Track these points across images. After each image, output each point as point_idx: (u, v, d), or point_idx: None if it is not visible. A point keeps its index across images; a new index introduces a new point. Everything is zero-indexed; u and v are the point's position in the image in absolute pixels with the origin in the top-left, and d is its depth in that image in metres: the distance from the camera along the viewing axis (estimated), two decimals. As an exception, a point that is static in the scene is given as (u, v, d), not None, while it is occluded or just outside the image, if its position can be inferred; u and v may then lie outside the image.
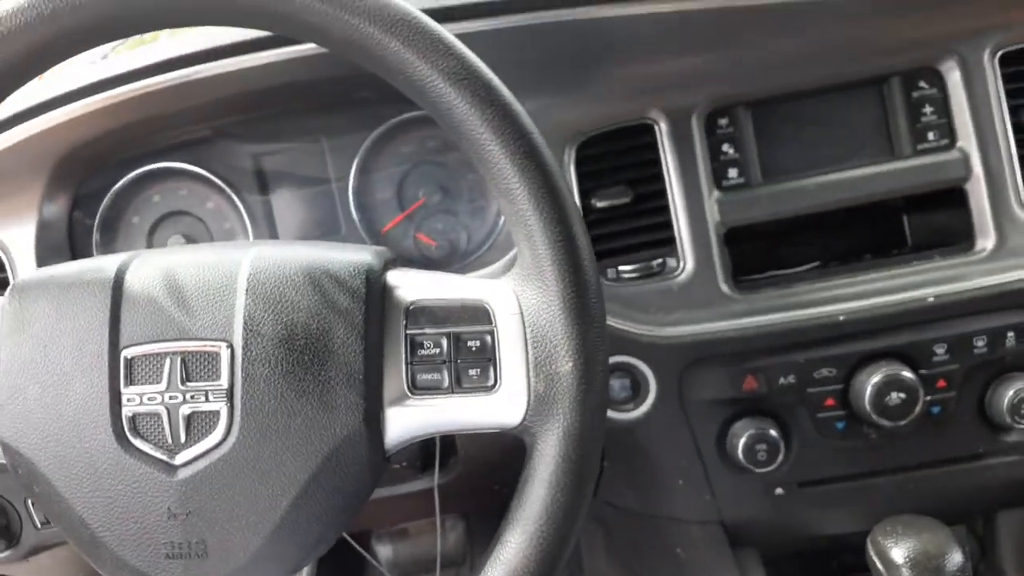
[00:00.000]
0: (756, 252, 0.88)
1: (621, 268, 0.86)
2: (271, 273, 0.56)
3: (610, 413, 0.83)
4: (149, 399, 0.55)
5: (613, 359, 0.83)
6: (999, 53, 0.82)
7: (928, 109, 0.84)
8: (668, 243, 0.85)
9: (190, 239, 0.94)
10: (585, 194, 0.85)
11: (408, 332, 0.57)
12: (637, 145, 0.85)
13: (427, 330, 0.57)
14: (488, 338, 0.57)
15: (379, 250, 0.61)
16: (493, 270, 0.81)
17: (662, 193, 0.85)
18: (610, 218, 0.85)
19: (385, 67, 0.56)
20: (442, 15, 0.80)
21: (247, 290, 0.55)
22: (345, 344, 0.55)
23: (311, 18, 0.54)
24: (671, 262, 0.86)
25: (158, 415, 0.55)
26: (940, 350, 0.82)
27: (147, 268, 0.58)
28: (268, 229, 0.93)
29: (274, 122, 0.91)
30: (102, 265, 0.58)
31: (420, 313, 0.57)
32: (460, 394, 0.56)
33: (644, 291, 0.85)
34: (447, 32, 0.55)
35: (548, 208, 0.54)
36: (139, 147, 0.90)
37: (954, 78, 0.83)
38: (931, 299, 0.80)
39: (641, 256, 0.86)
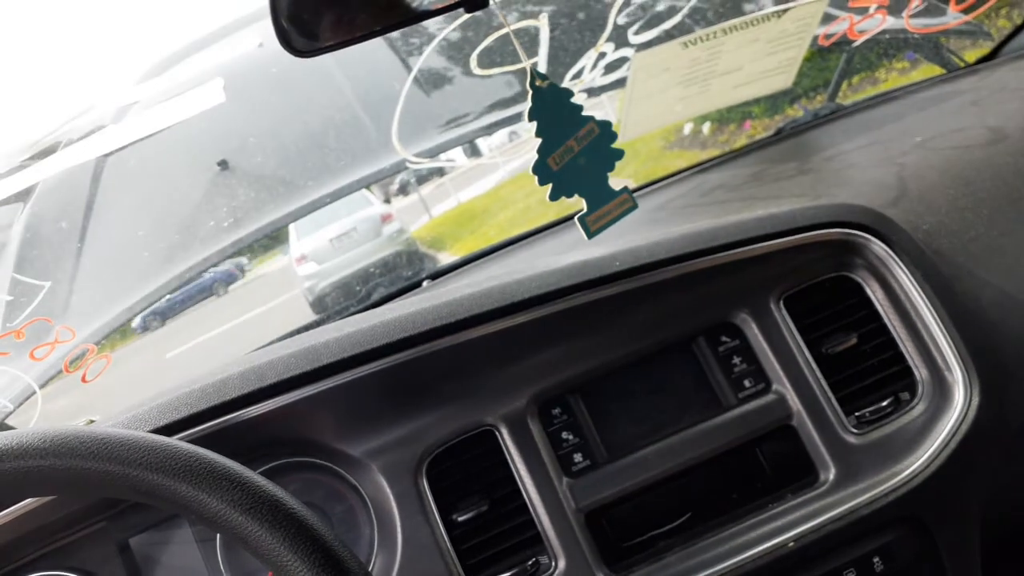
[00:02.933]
0: (623, 520, 0.89)
1: None
2: None
3: None
4: None
5: None
6: (782, 298, 0.89)
7: (737, 359, 0.90)
8: (537, 541, 0.86)
9: None
10: (445, 510, 0.86)
11: None
12: (484, 451, 0.88)
13: None
14: None
15: None
16: None
17: (518, 493, 0.87)
18: (475, 528, 0.86)
19: (177, 508, 0.59)
20: (258, 396, 0.85)
21: None
22: None
23: (100, 480, 0.58)
24: (543, 560, 0.86)
25: None
26: None
27: None
28: None
29: (142, 510, 0.92)
30: None
31: None
32: None
33: (527, 598, 0.85)
34: (226, 462, 0.59)
35: None
36: (9, 563, 0.89)
37: (751, 328, 0.90)
38: (791, 544, 0.82)
39: (514, 559, 0.86)
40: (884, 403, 0.87)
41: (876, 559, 0.82)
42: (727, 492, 0.90)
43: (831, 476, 0.86)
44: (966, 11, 1.20)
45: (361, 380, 0.86)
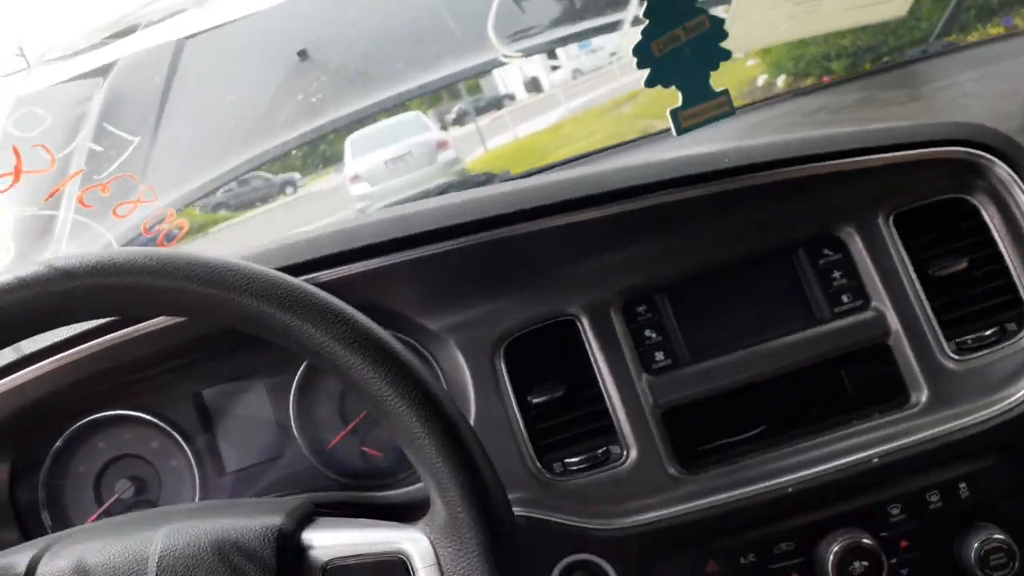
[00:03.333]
0: (699, 424, 0.88)
1: (567, 460, 0.86)
2: (180, 554, 0.56)
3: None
4: None
5: (572, 558, 0.81)
6: (893, 215, 0.86)
7: (837, 274, 0.87)
8: (609, 431, 0.85)
9: (139, 481, 0.93)
10: (521, 392, 0.86)
11: None
12: (563, 339, 0.87)
13: None
14: None
15: (294, 506, 0.61)
16: (421, 489, 0.81)
17: (594, 383, 0.86)
18: (548, 412, 0.86)
19: (280, 337, 0.59)
20: (348, 257, 0.84)
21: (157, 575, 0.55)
22: None
23: (208, 305, 0.58)
24: (615, 450, 0.85)
25: None
26: (895, 510, 0.81)
27: (59, 561, 0.57)
28: (213, 462, 0.93)
29: (213, 363, 0.92)
30: (13, 562, 0.58)
31: (337, 574, 0.57)
32: None
33: (592, 482, 0.84)
34: (335, 300, 0.58)
35: (454, 456, 0.55)
36: (82, 402, 0.91)
37: (856, 243, 0.86)
38: (875, 460, 0.80)
39: (585, 446, 0.86)
40: (988, 332, 0.84)
41: (963, 485, 0.80)
42: (811, 407, 0.88)
43: (923, 398, 0.83)
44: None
45: (448, 254, 0.85)
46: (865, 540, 0.78)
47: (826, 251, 0.87)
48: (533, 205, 0.83)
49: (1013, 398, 0.81)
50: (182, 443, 0.92)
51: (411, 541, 0.57)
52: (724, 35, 0.83)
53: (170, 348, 0.88)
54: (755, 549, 0.81)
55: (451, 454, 0.55)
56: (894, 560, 0.80)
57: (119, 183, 1.04)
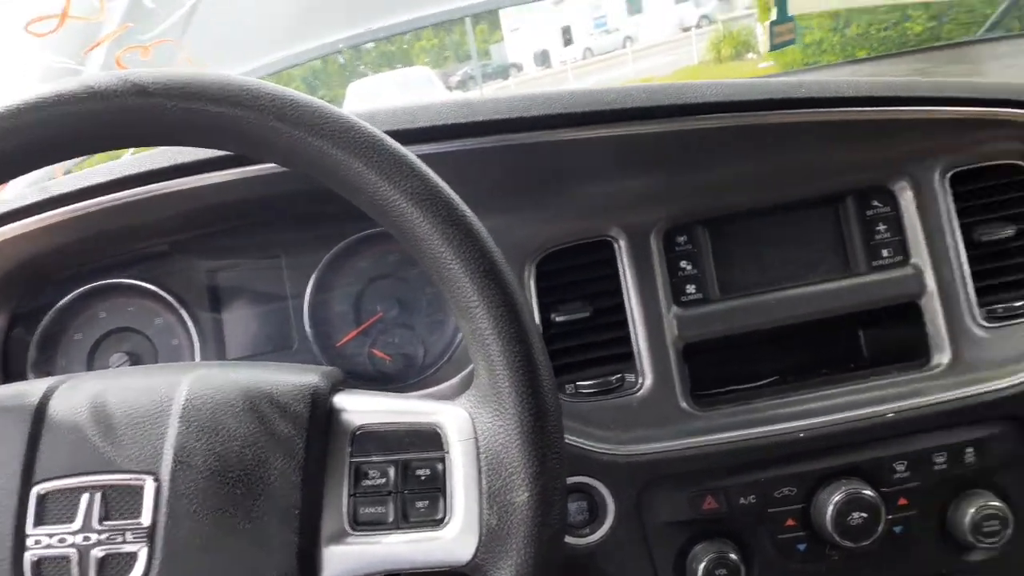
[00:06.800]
0: (714, 366, 0.88)
1: (579, 383, 0.85)
2: (208, 398, 0.54)
3: (567, 538, 0.81)
4: (60, 541, 0.51)
5: (571, 480, 0.81)
6: (949, 173, 0.85)
7: (882, 227, 0.86)
8: (627, 358, 0.85)
9: (135, 357, 0.91)
10: (545, 308, 0.85)
11: (353, 460, 0.55)
12: (597, 261, 0.86)
13: (374, 458, 0.55)
14: (439, 466, 0.55)
15: (328, 370, 0.59)
16: (448, 387, 0.80)
17: (621, 308, 0.85)
18: (569, 332, 0.85)
19: (347, 187, 0.55)
20: (405, 137, 0.81)
21: (181, 417, 0.53)
22: (282, 475, 0.52)
23: (276, 140, 0.54)
24: (630, 378, 0.85)
25: (67, 559, 0.51)
26: (900, 467, 0.81)
27: (75, 394, 0.55)
28: (216, 346, 0.91)
29: (232, 238, 0.90)
30: (27, 390, 0.56)
31: (367, 439, 0.55)
32: (405, 530, 0.54)
33: (603, 407, 0.84)
34: (410, 153, 0.55)
35: (508, 328, 0.53)
36: (88, 263, 0.89)
37: (906, 197, 0.85)
38: (890, 415, 0.80)
39: (600, 371, 0.85)
40: (1019, 303, 0.83)
41: (969, 450, 0.81)
42: (831, 360, 0.88)
43: (945, 361, 0.83)
44: None
45: (495, 150, 0.82)
46: (867, 492, 0.78)
47: (875, 203, 0.86)
48: (593, 108, 0.81)
49: None
50: (188, 322, 0.91)
51: (448, 413, 0.55)
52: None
53: (188, 214, 0.85)
54: (756, 491, 0.81)
55: (505, 329, 0.53)
56: (891, 516, 0.80)
57: (161, 48, 1.00)
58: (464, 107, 0.82)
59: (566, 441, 0.80)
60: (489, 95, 0.89)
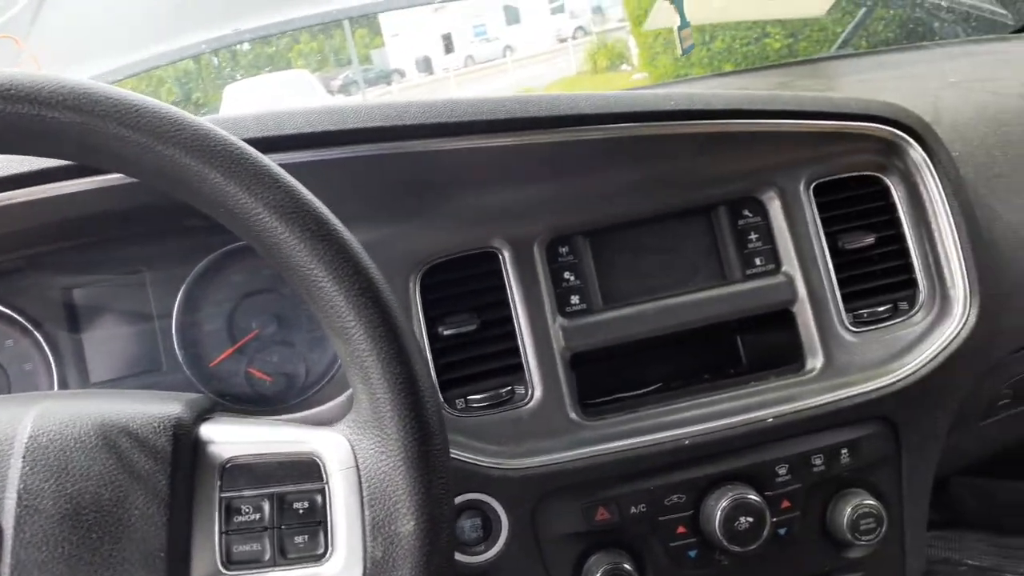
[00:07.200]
0: (601, 375, 0.88)
1: (470, 397, 0.84)
2: (55, 434, 0.49)
3: (460, 556, 0.79)
4: None
5: (463, 497, 0.79)
6: (813, 184, 0.88)
7: (754, 236, 0.88)
8: (516, 370, 0.84)
9: None
10: (431, 322, 0.83)
11: (224, 495, 0.51)
12: (482, 272, 0.85)
13: (246, 492, 0.51)
14: (318, 498, 0.51)
15: (193, 398, 0.55)
16: (333, 408, 0.76)
17: (508, 319, 0.84)
18: (457, 345, 0.83)
19: (205, 200, 0.51)
20: (273, 145, 0.77)
21: (24, 456, 0.48)
22: (144, 516, 0.48)
23: (121, 149, 0.49)
24: (519, 390, 0.84)
25: None
26: (782, 471, 0.83)
27: None
28: (77, 371, 0.84)
29: (89, 252, 0.83)
30: None
31: (238, 472, 0.51)
32: (284, 567, 0.50)
33: (494, 421, 0.83)
34: (272, 163, 0.52)
35: (387, 349, 0.51)
36: None
37: (775, 207, 0.88)
38: (770, 420, 0.82)
39: (490, 384, 0.84)
40: (881, 308, 0.88)
41: (844, 451, 0.84)
42: (712, 366, 0.90)
43: (818, 365, 0.86)
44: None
45: (373, 159, 0.79)
46: (752, 497, 0.80)
47: (746, 212, 0.89)
48: (479, 118, 0.79)
49: (895, 374, 0.85)
50: (43, 344, 0.83)
51: (326, 441, 0.52)
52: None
53: (39, 230, 0.78)
54: (646, 500, 0.82)
55: (384, 349, 0.50)
56: (775, 519, 0.82)
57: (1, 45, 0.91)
58: (336, 113, 0.78)
59: (457, 458, 0.78)
60: (362, 101, 0.86)
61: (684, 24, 0.88)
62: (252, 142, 0.75)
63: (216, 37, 1.38)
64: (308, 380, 0.88)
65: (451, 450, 0.78)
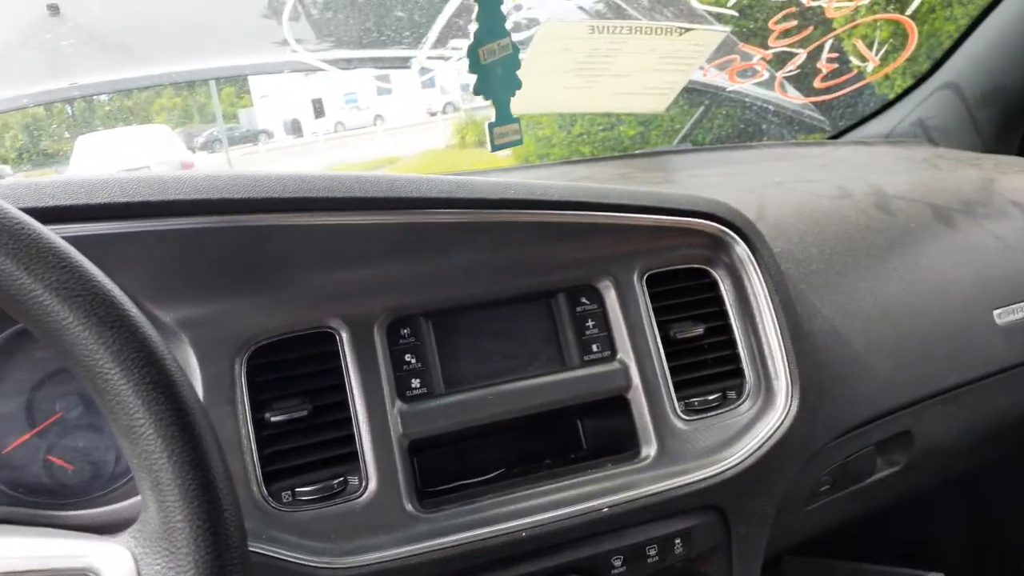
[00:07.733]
0: (441, 461, 0.85)
1: (298, 490, 0.78)
2: None
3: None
4: None
5: None
6: (646, 275, 0.91)
7: (591, 323, 0.90)
8: (350, 459, 0.80)
9: None
10: (259, 406, 0.78)
11: None
12: (317, 354, 0.81)
13: None
14: None
15: None
16: (132, 506, 0.69)
17: (343, 405, 0.80)
18: (287, 433, 0.78)
19: None
20: (82, 213, 0.71)
21: None
22: None
23: None
24: (353, 480, 0.80)
25: None
26: (617, 562, 0.83)
27: None
28: None
29: None
30: None
31: None
32: None
33: (323, 515, 0.78)
34: (56, 237, 0.47)
35: (181, 450, 0.46)
36: None
37: (611, 296, 0.90)
38: (605, 509, 0.82)
39: (321, 475, 0.79)
40: (711, 397, 0.91)
41: (677, 540, 0.85)
42: (550, 453, 0.89)
43: (652, 454, 0.87)
44: (826, 91, 1.32)
45: (196, 232, 0.75)
46: None
47: (584, 299, 0.90)
48: (310, 195, 0.77)
49: (725, 462, 0.87)
50: None
51: (106, 555, 0.46)
52: (518, 64, 0.94)
53: None
54: None
55: (178, 451, 0.45)
56: None
57: None
58: (156, 183, 0.74)
59: (278, 557, 0.73)
60: (187, 172, 0.82)
61: (502, 121, 0.89)
62: (57, 210, 0.70)
63: (44, 91, 1.29)
64: (118, 469, 0.80)
65: (273, 549, 0.73)
